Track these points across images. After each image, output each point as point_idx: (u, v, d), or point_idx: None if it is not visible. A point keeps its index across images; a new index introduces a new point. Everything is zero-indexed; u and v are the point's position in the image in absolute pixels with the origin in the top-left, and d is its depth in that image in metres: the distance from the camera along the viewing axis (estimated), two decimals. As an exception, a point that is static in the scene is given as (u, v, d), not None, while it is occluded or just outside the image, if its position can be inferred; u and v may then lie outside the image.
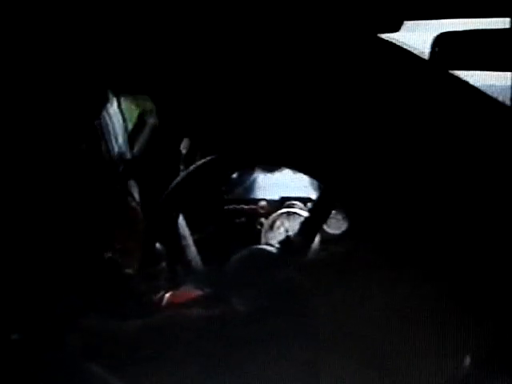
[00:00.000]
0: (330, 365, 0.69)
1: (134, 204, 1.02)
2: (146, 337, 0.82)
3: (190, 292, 1.55)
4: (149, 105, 2.06)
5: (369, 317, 0.71)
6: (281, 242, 1.77)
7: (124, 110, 1.69)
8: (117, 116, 1.53)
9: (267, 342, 0.74)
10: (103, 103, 0.90)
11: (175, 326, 0.82)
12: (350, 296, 0.73)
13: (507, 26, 1.54)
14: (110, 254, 0.86)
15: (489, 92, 0.83)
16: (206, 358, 0.76)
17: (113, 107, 1.48)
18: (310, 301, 0.74)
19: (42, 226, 0.70)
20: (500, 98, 0.81)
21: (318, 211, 1.78)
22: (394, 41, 0.84)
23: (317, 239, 1.87)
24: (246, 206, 2.09)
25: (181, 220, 1.83)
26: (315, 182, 1.75)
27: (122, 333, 0.85)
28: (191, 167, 1.86)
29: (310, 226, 1.78)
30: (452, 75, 0.86)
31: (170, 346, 0.80)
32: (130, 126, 1.78)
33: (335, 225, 1.94)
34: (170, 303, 1.47)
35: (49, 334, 0.70)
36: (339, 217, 1.92)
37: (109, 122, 1.41)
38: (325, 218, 1.79)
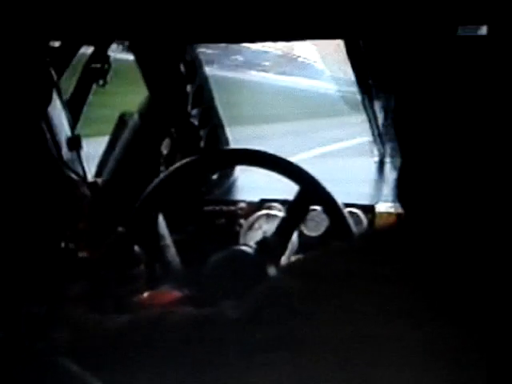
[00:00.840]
0: (317, 373, 0.70)
1: (77, 181, 1.02)
2: (127, 336, 0.82)
3: (169, 292, 1.56)
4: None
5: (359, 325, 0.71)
6: (258, 243, 1.79)
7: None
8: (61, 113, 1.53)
9: (254, 348, 0.74)
10: (48, 101, 0.89)
11: (159, 327, 0.82)
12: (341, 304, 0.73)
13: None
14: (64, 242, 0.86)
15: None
16: (191, 360, 0.77)
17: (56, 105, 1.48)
18: (298, 308, 0.74)
19: None
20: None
21: (294, 212, 1.80)
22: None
23: (295, 241, 1.89)
24: (226, 208, 2.10)
25: (160, 220, 1.84)
26: (294, 184, 1.77)
27: (101, 331, 0.84)
28: (171, 168, 1.88)
29: (286, 227, 1.81)
30: None
31: (153, 347, 0.80)
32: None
33: (313, 227, 1.96)
34: (149, 304, 1.47)
35: (20, 330, 0.70)
36: (317, 219, 1.94)
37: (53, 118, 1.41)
38: (301, 219, 1.81)
